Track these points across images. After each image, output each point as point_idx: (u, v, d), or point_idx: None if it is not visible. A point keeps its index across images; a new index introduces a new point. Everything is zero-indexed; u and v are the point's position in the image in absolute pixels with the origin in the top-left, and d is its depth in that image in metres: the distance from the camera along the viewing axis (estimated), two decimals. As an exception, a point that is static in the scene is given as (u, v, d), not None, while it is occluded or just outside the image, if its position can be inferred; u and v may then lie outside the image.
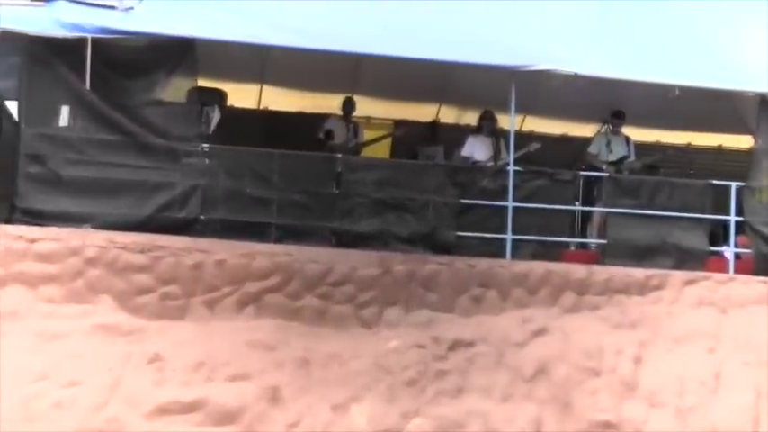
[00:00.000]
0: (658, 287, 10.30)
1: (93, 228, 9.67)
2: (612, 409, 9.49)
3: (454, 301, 9.99)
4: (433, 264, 10.03)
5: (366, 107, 12.36)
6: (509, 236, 10.42)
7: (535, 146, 11.16)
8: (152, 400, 8.78)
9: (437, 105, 12.84)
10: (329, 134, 11.47)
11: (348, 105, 11.78)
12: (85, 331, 9.12)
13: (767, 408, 9.64)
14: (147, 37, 9.97)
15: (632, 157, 11.82)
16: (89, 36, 9.81)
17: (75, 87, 9.92)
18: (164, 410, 8.76)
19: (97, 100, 9.92)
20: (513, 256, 10.38)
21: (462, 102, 12.60)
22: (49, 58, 9.90)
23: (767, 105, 10.83)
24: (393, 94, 12.41)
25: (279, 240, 10.05)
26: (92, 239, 9.53)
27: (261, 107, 12.65)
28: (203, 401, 8.82)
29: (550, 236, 10.69)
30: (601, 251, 10.94)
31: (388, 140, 12.17)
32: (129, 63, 10.03)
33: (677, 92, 10.57)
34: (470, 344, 9.58)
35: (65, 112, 10.03)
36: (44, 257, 9.41)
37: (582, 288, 10.18)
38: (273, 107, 12.60)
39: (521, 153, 10.86)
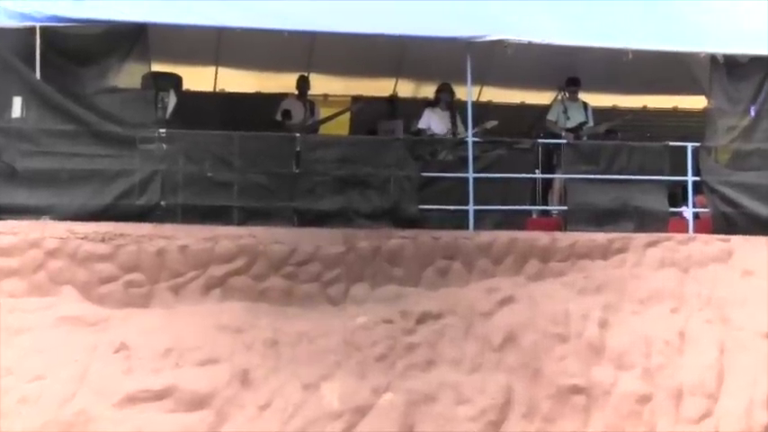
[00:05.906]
0: (621, 250, 10.38)
1: (51, 219, 9.57)
2: (581, 374, 9.58)
3: (420, 274, 10.01)
4: (397, 238, 10.04)
5: (323, 85, 12.30)
6: (471, 207, 10.45)
7: (492, 123, 11.14)
8: (121, 390, 8.74)
9: (394, 80, 12.79)
10: (287, 114, 11.41)
11: (303, 84, 11.69)
12: (50, 324, 9.04)
13: (730, 364, 9.79)
14: (97, 24, 9.85)
15: (591, 123, 11.87)
16: (37, 25, 9.68)
17: (26, 77, 9.79)
18: (133, 399, 8.72)
19: (50, 89, 9.80)
20: (477, 227, 10.41)
21: (419, 75, 12.56)
22: (-2, 48, 9.78)
23: (718, 65, 10.93)
24: (349, 70, 12.35)
25: (242, 222, 10.00)
26: (51, 231, 9.43)
27: (217, 89, 12.56)
28: (173, 388, 8.80)
29: (512, 205, 10.73)
30: (563, 218, 11.01)
31: (347, 117, 12.10)
32: (81, 51, 9.90)
33: (630, 55, 10.62)
34: (438, 316, 9.62)
35: (17, 103, 9.90)
36: (3, 251, 9.29)
37: (546, 255, 10.24)
38: (230, 89, 12.51)
39: (477, 131, 10.86)
